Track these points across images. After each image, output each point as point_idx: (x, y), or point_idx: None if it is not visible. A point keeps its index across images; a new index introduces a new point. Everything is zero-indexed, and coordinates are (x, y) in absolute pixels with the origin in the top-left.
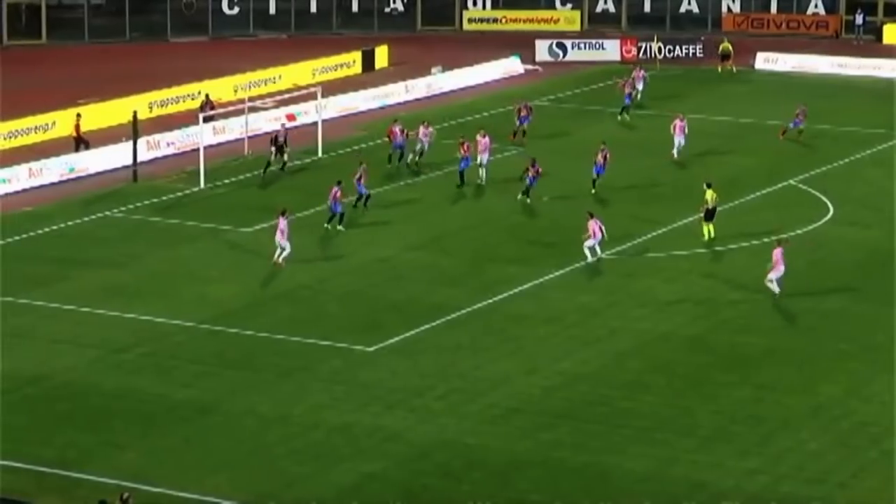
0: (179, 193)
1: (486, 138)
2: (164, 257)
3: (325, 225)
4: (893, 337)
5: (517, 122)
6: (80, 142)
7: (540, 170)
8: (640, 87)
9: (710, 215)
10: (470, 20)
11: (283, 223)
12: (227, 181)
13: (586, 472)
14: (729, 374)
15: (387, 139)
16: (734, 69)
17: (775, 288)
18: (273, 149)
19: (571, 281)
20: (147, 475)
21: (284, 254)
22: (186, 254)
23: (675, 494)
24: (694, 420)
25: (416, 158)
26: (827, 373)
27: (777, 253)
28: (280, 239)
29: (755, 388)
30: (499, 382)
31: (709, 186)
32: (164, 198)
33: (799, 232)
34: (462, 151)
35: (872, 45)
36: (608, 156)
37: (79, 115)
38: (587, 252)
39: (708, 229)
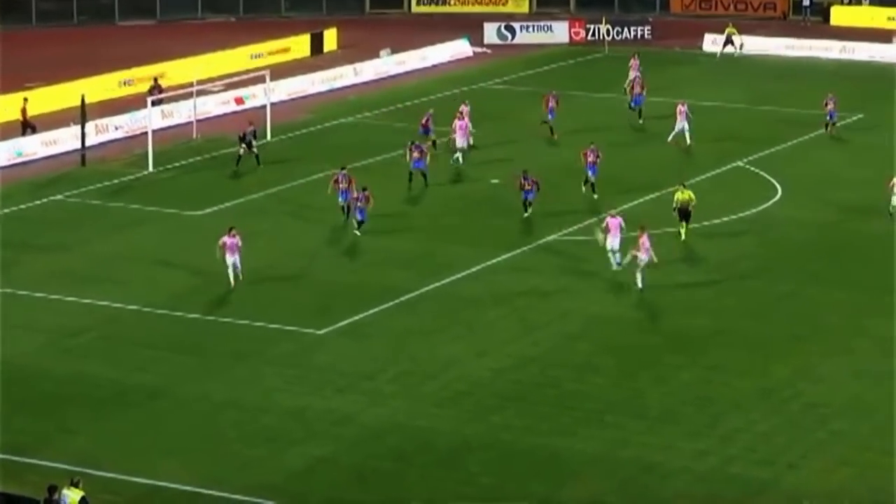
0: (128, 177)
1: (465, 120)
2: (113, 241)
3: (355, 231)
4: (843, 318)
5: (548, 116)
6: (27, 126)
7: (536, 181)
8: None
9: (684, 215)
10: (419, 3)
11: (230, 240)
12: (175, 165)
13: (536, 455)
14: (678, 356)
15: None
16: (718, 54)
17: (639, 281)
18: (243, 146)
19: (521, 263)
20: (99, 460)
21: (234, 273)
22: (135, 238)
23: (626, 476)
24: (644, 402)
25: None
26: (777, 354)
27: (643, 238)
28: (227, 256)
29: (705, 370)
30: (449, 365)
31: (684, 187)
32: (113, 182)
33: (748, 213)
34: (415, 155)
35: (820, 27)
36: (599, 155)
37: (25, 100)
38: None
39: (682, 229)
